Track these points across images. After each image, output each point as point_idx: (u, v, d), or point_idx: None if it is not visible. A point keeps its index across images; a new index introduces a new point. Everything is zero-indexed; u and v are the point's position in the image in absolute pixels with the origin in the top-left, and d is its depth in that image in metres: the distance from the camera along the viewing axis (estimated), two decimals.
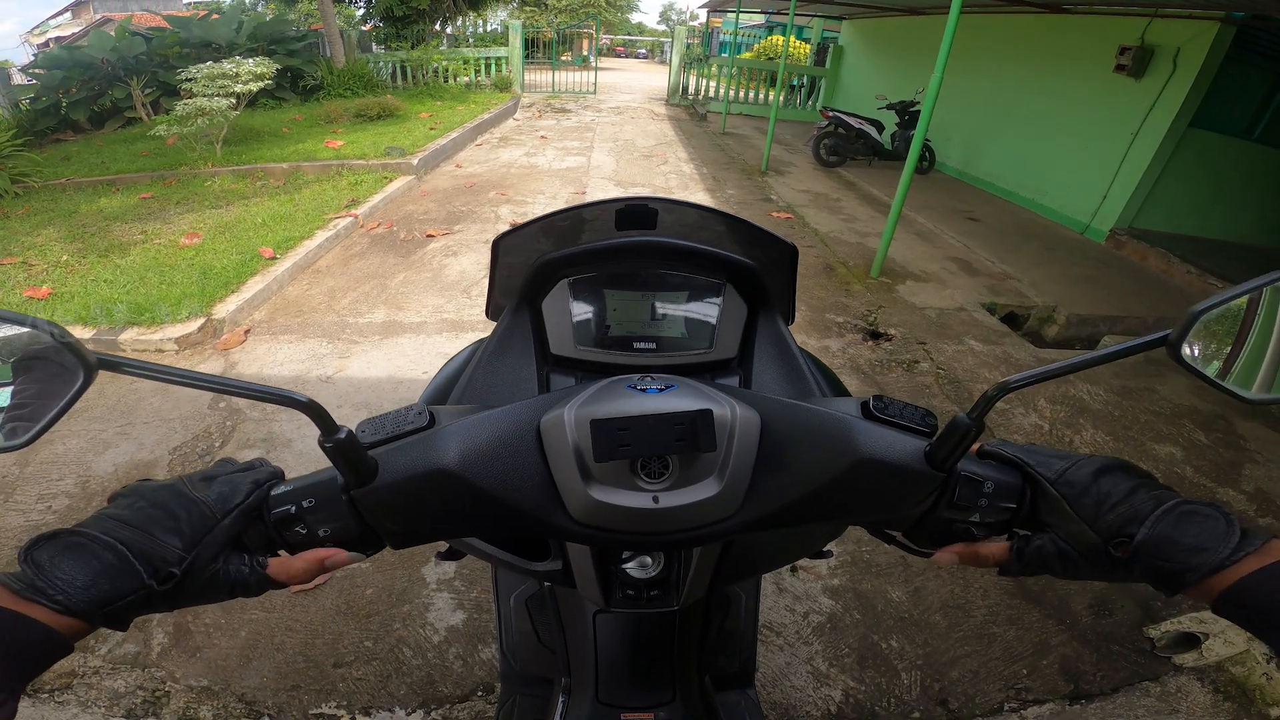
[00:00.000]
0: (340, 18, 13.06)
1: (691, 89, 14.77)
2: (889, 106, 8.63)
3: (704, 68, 15.03)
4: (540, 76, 15.28)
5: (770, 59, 16.06)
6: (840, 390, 0.87)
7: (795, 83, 13.95)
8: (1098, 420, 3.19)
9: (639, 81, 21.88)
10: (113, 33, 9.72)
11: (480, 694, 1.75)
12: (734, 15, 12.16)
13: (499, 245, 0.81)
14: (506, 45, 14.22)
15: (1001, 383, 0.47)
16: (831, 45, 13.66)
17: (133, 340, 3.26)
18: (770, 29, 22.94)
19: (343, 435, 0.46)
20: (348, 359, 3.27)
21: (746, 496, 0.50)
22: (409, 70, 12.59)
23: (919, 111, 7.86)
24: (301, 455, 2.55)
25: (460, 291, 4.08)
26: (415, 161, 6.75)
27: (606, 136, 9.84)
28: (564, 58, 17.17)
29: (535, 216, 0.79)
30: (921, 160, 7.53)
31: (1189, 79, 5.61)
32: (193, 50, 9.66)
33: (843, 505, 0.53)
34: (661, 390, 0.52)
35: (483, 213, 5.70)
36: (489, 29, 18.38)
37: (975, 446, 0.58)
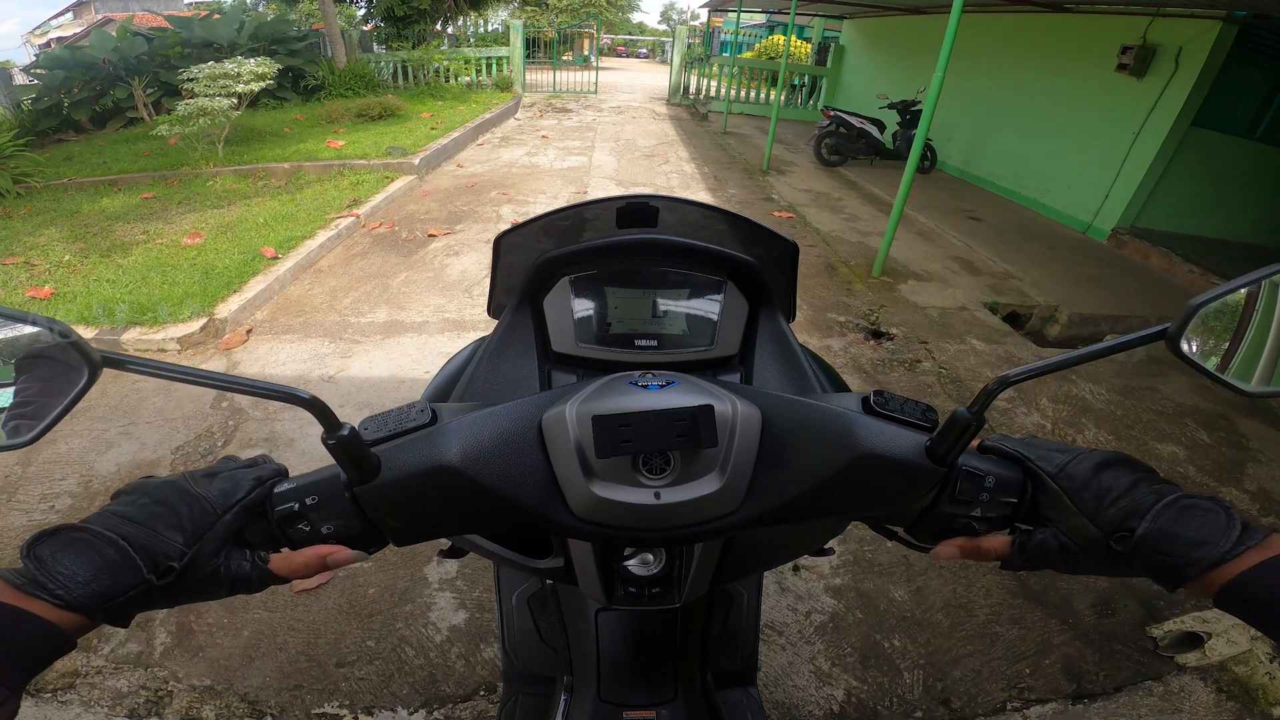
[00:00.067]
0: (341, 18, 13.08)
1: (693, 89, 14.78)
2: (890, 106, 8.62)
3: (705, 67, 15.03)
4: (541, 76, 15.28)
5: (771, 58, 16.05)
6: (841, 387, 0.87)
7: (796, 82, 13.94)
8: (1100, 419, 3.19)
9: (640, 81, 21.88)
10: (114, 33, 9.74)
11: (483, 693, 1.75)
12: (735, 15, 12.15)
13: (500, 244, 0.81)
14: (508, 45, 14.23)
15: (1001, 376, 0.47)
16: (832, 45, 13.65)
17: (135, 340, 3.26)
18: (771, 28, 22.94)
19: (345, 432, 0.46)
20: (350, 358, 3.27)
21: (748, 492, 0.50)
22: (410, 70, 12.59)
23: (920, 111, 7.84)
24: (304, 454, 2.55)
25: (462, 291, 4.09)
26: (417, 161, 6.75)
27: (608, 136, 9.84)
28: (565, 57, 17.18)
29: (536, 215, 0.79)
30: (923, 160, 7.52)
31: (1191, 78, 5.60)
32: (194, 50, 9.67)
33: (844, 500, 0.53)
34: (663, 386, 0.52)
35: (484, 212, 5.70)
36: (490, 29, 18.42)
37: (976, 441, 0.58)
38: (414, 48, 13.48)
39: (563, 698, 0.78)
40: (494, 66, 13.89)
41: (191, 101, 6.32)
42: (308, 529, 0.50)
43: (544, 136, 9.49)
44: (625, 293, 0.79)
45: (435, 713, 1.70)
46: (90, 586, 0.41)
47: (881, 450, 0.51)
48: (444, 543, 0.73)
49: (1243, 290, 0.46)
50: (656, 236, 0.78)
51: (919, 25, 9.91)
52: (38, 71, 9.29)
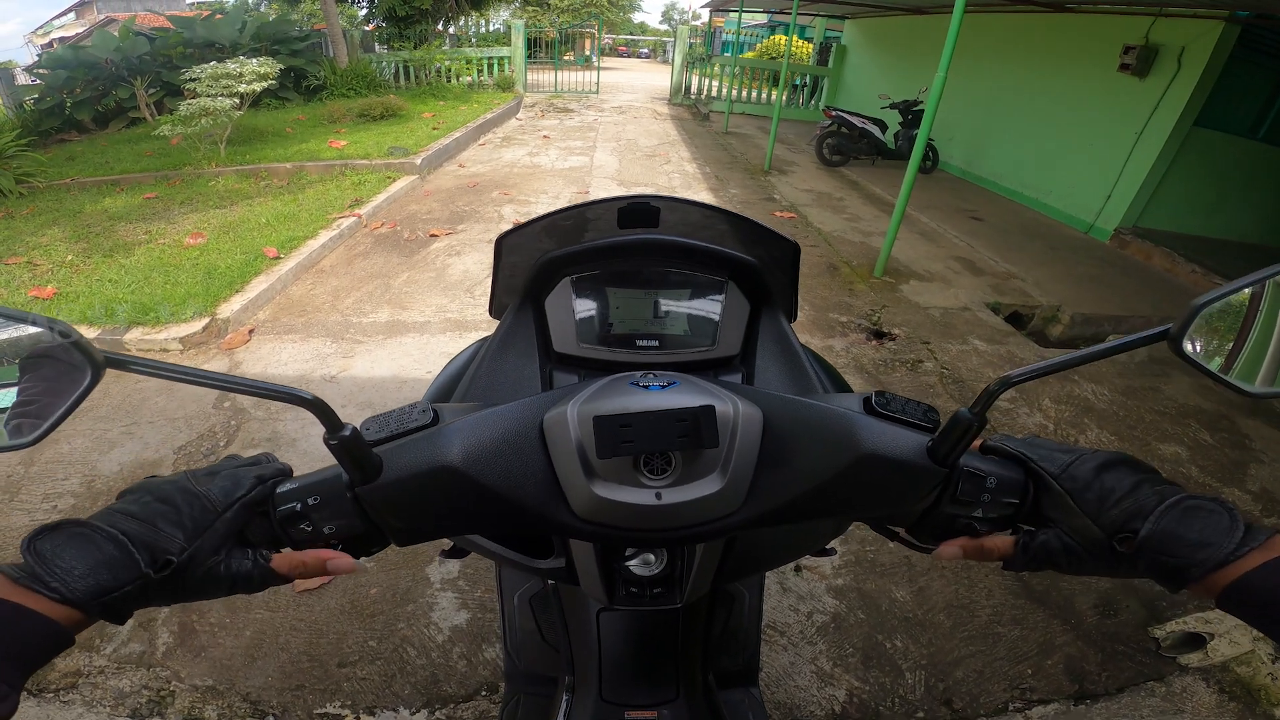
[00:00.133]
0: (343, 18, 13.09)
1: (694, 88, 14.78)
2: (892, 106, 8.62)
3: (706, 67, 15.03)
4: (543, 76, 15.29)
5: (773, 58, 16.05)
6: (843, 387, 0.87)
7: (798, 82, 13.93)
8: (1103, 420, 3.19)
9: (641, 81, 21.88)
10: (117, 33, 9.75)
11: (484, 693, 1.75)
12: (736, 15, 12.13)
13: (502, 244, 0.81)
14: (509, 45, 14.25)
15: (1003, 377, 0.47)
16: (834, 44, 13.64)
17: (137, 340, 3.27)
18: (773, 28, 22.92)
19: (347, 433, 0.46)
20: (352, 358, 3.28)
21: (749, 493, 0.50)
22: (412, 70, 12.60)
23: (922, 111, 7.84)
24: (306, 454, 2.55)
25: (464, 291, 4.09)
26: (418, 161, 6.76)
27: (609, 136, 9.84)
28: (566, 57, 17.18)
29: (538, 215, 0.79)
30: (925, 160, 7.50)
31: (1193, 78, 5.59)
32: (196, 50, 9.69)
33: (845, 501, 0.53)
34: (664, 387, 0.52)
35: (486, 212, 5.71)
36: (491, 29, 18.45)
37: (978, 442, 0.58)
38: (416, 48, 13.49)
39: (564, 698, 0.78)
40: (495, 66, 13.91)
41: (194, 101, 6.33)
42: (309, 529, 0.50)
43: (545, 136, 9.49)
44: (627, 293, 0.79)
45: (437, 713, 1.70)
46: (88, 581, 0.41)
47: (883, 451, 0.51)
48: (446, 543, 0.73)
49: (1246, 290, 0.46)
50: (658, 237, 0.78)
51: (921, 25, 9.91)
52: (40, 71, 9.31)
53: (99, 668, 1.76)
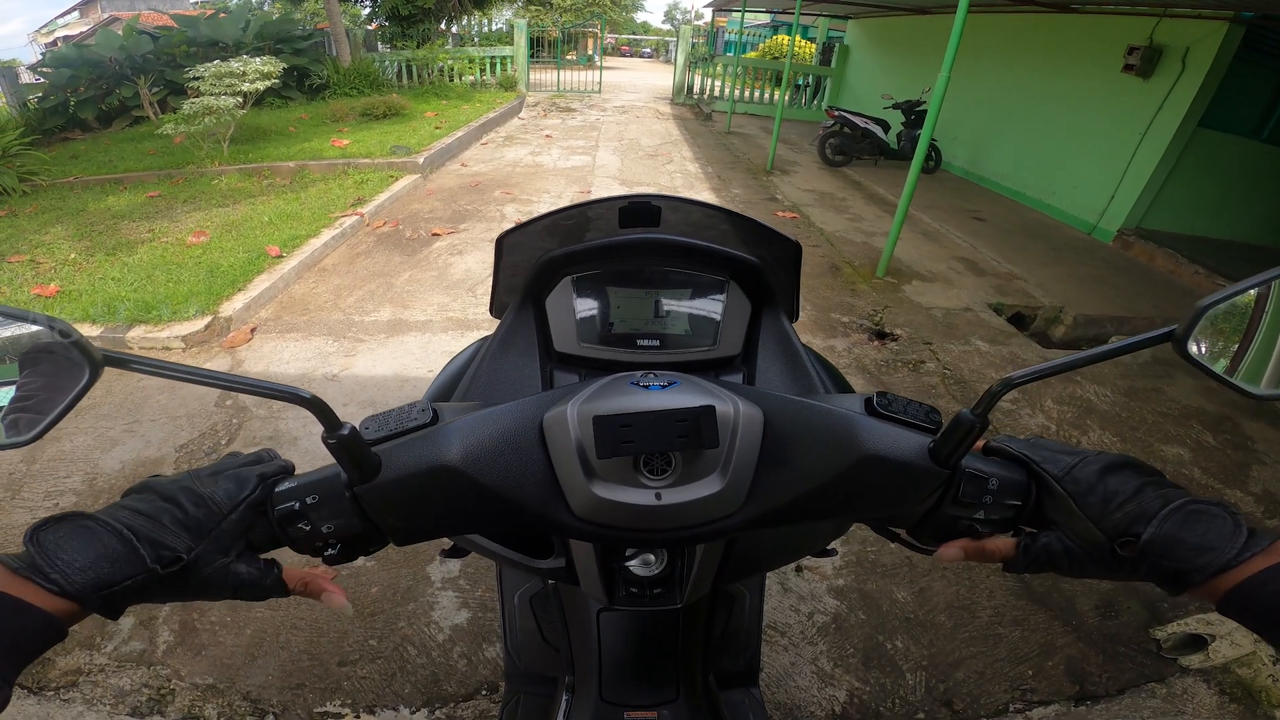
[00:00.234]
0: (346, 17, 13.09)
1: (696, 88, 14.77)
2: (895, 106, 8.62)
3: (709, 67, 15.02)
4: (545, 75, 15.28)
5: (775, 58, 16.05)
6: (844, 387, 0.87)
7: (801, 82, 13.93)
8: (1105, 421, 3.18)
9: (644, 81, 21.88)
10: (120, 31, 9.76)
11: (484, 693, 1.75)
12: (739, 15, 12.13)
13: (503, 243, 0.81)
14: (512, 44, 14.25)
15: (1006, 378, 0.47)
16: (837, 44, 13.64)
17: (140, 338, 3.27)
18: (775, 28, 22.93)
19: (346, 431, 0.46)
20: (353, 357, 3.28)
21: (750, 493, 0.50)
22: (414, 69, 12.61)
23: (925, 111, 7.84)
24: (307, 453, 2.55)
25: (465, 290, 4.09)
26: (421, 160, 6.76)
27: (611, 136, 9.84)
28: (569, 57, 17.18)
29: (539, 214, 0.79)
30: (928, 160, 7.51)
31: (1198, 79, 5.58)
32: (200, 49, 9.70)
33: (846, 502, 0.53)
34: (665, 387, 0.52)
35: (488, 211, 5.71)
36: (494, 28, 18.45)
37: (980, 443, 0.57)
38: (418, 47, 13.50)
39: (564, 698, 0.77)
40: (498, 66, 13.90)
41: (197, 100, 6.34)
42: (308, 528, 0.50)
43: (548, 136, 9.49)
44: (628, 292, 0.78)
45: (437, 712, 1.70)
46: (87, 573, 0.41)
47: (884, 452, 0.50)
48: (446, 542, 0.73)
49: (1252, 291, 0.45)
50: (659, 236, 0.78)
51: (924, 25, 9.89)
52: (44, 70, 9.33)
53: (99, 666, 1.77)
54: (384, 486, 0.49)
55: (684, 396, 0.50)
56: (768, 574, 1.51)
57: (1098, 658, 1.95)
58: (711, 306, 0.78)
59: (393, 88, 11.46)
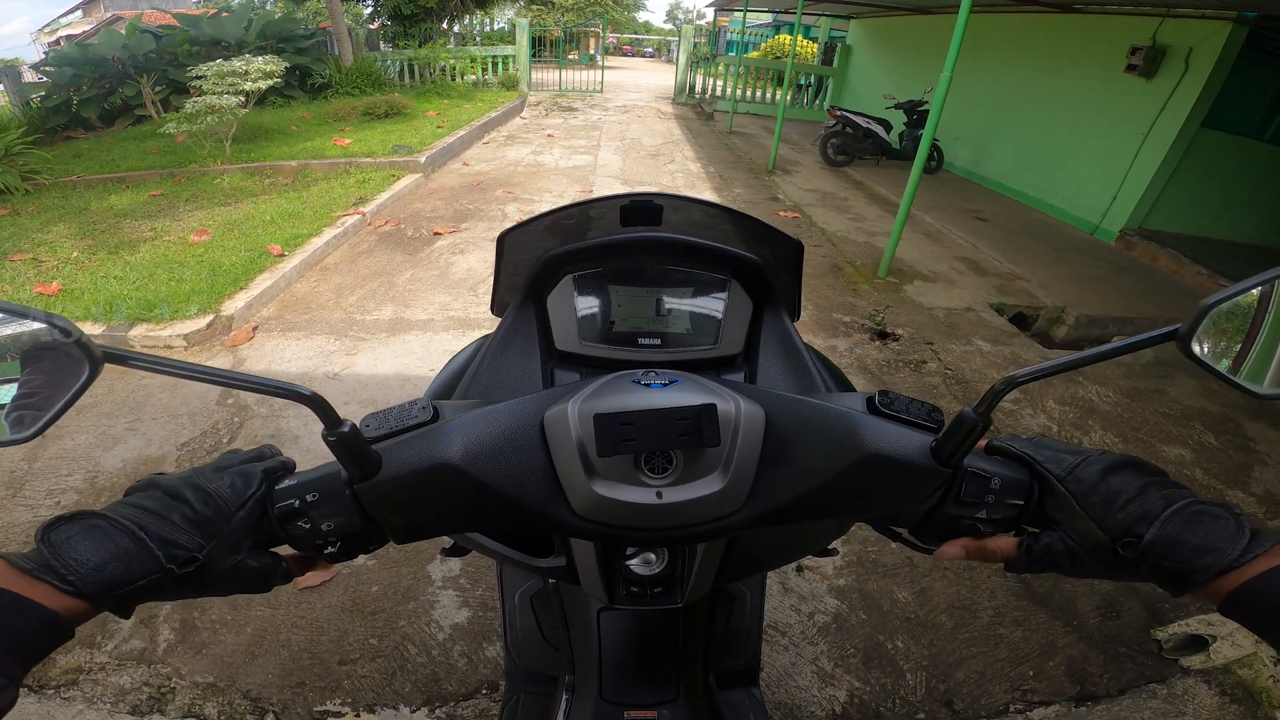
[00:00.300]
0: (348, 16, 13.11)
1: (698, 88, 14.76)
2: (897, 106, 8.61)
3: (711, 67, 15.01)
4: (547, 75, 15.29)
5: (777, 58, 16.03)
6: (846, 387, 0.87)
7: (802, 82, 13.93)
8: (1107, 421, 3.17)
9: (646, 80, 21.88)
10: (123, 30, 9.78)
11: (485, 691, 1.75)
12: (741, 14, 12.12)
13: (504, 241, 0.81)
14: (513, 44, 14.26)
15: (1009, 377, 0.47)
16: (839, 44, 13.63)
17: (142, 336, 3.27)
18: (777, 28, 22.92)
19: (346, 429, 0.46)
20: (355, 356, 3.28)
21: (751, 492, 0.50)
22: (416, 68, 12.62)
23: (927, 111, 7.82)
24: (309, 451, 2.55)
25: (467, 289, 4.09)
26: (423, 159, 6.76)
27: (613, 135, 9.83)
28: (571, 56, 17.18)
29: (540, 213, 0.79)
30: (930, 160, 7.50)
31: (1201, 79, 5.58)
32: (202, 48, 9.71)
33: (848, 501, 0.53)
34: (666, 385, 0.51)
35: (490, 211, 5.71)
36: (496, 27, 18.45)
37: (982, 442, 0.57)
38: (420, 46, 13.51)
39: (564, 697, 0.77)
40: (500, 65, 13.91)
41: (199, 99, 6.34)
42: (308, 526, 0.50)
43: (549, 135, 9.49)
44: (629, 291, 0.78)
45: (437, 711, 1.70)
46: (102, 573, 0.41)
47: (886, 451, 0.50)
48: (446, 541, 0.73)
49: (1254, 291, 0.45)
50: (661, 234, 0.78)
51: (926, 25, 9.89)
52: (47, 69, 9.34)
53: (100, 664, 1.77)
54: (384, 484, 0.49)
55: (685, 395, 0.50)
56: (768, 573, 1.50)
57: (1098, 658, 1.95)
58: (713, 305, 0.78)
59: (395, 87, 11.47)
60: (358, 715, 1.68)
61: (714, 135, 10.58)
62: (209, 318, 3.41)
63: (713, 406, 0.48)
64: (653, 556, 0.64)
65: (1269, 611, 0.42)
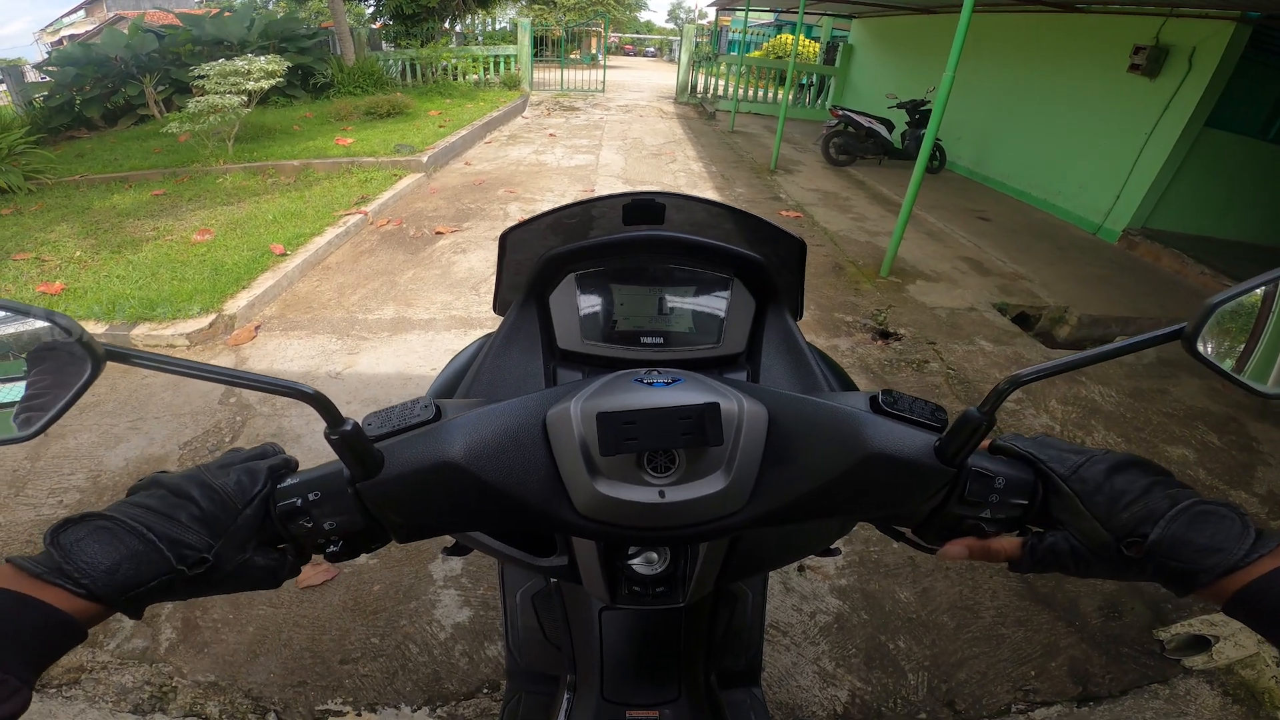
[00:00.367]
0: (350, 16, 13.11)
1: (700, 87, 14.75)
2: (899, 105, 8.59)
3: (713, 66, 15.00)
4: (549, 74, 15.30)
5: (779, 57, 16.02)
6: (849, 386, 0.87)
7: (804, 81, 13.92)
8: (1110, 421, 3.17)
9: (647, 80, 21.87)
10: (126, 30, 9.80)
11: (486, 691, 1.75)
12: (743, 14, 12.11)
13: (506, 240, 0.81)
14: (515, 43, 14.27)
15: (1013, 376, 0.47)
16: (841, 44, 13.60)
17: (144, 335, 3.28)
18: (779, 27, 22.90)
19: (348, 427, 0.46)
20: (357, 355, 3.28)
21: (754, 491, 0.50)
22: (418, 68, 12.62)
23: (930, 110, 7.81)
24: (310, 450, 2.56)
25: (469, 289, 4.09)
26: (425, 159, 6.77)
27: (615, 135, 9.83)
28: (572, 56, 17.18)
29: (543, 211, 0.79)
30: (932, 159, 7.49)
31: (1204, 79, 5.56)
32: (205, 48, 9.73)
33: (851, 500, 0.52)
34: (668, 384, 0.51)
35: (491, 210, 5.71)
36: (498, 27, 18.46)
37: (986, 442, 0.57)
38: (422, 46, 13.53)
39: (566, 696, 0.77)
40: (502, 65, 13.92)
41: (202, 99, 6.35)
42: (310, 525, 0.50)
43: (551, 135, 9.49)
44: (631, 290, 0.78)
45: (438, 710, 1.70)
46: (113, 576, 0.41)
47: (890, 450, 0.50)
48: (448, 540, 0.73)
49: (1258, 291, 0.45)
50: (663, 233, 0.77)
51: (929, 25, 9.87)
52: (50, 69, 9.36)
53: (102, 663, 1.77)
54: (386, 483, 0.48)
55: (688, 394, 0.50)
56: (770, 573, 1.50)
57: (1101, 658, 1.95)
58: (715, 304, 0.78)
59: (397, 86, 11.48)
60: (359, 714, 1.68)
61: (716, 135, 10.57)
62: (211, 317, 3.42)
63: (716, 405, 0.48)
64: (655, 556, 0.64)
65: (1274, 611, 0.42)
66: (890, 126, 8.48)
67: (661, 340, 0.76)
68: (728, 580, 0.66)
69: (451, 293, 4.03)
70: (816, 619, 2.02)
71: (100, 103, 8.87)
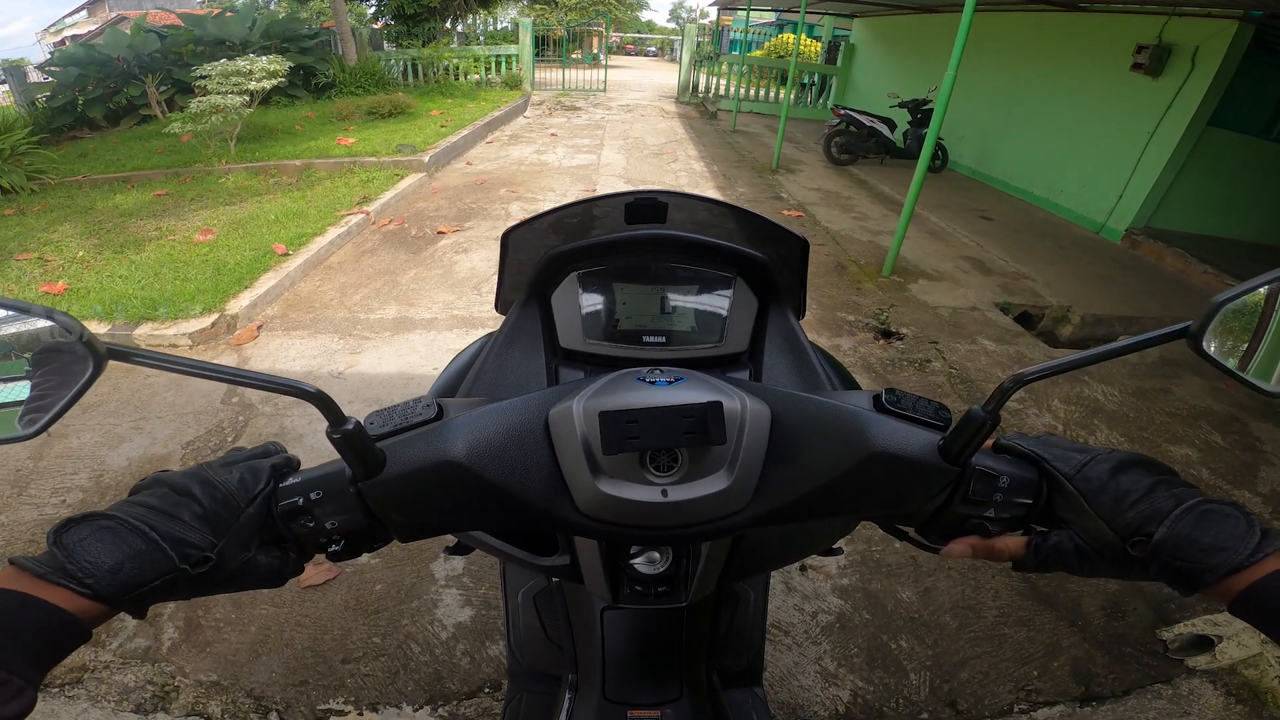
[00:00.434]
0: (352, 15, 13.14)
1: (702, 87, 14.74)
2: (901, 104, 8.57)
3: (714, 66, 14.99)
4: (550, 74, 15.31)
5: (781, 57, 16.01)
6: (852, 385, 0.86)
7: (806, 81, 13.89)
8: (1113, 421, 3.16)
9: (649, 79, 21.87)
10: (128, 30, 9.82)
11: (487, 690, 1.75)
12: (744, 13, 12.10)
13: (508, 239, 0.80)
14: (517, 43, 14.29)
15: (1017, 374, 0.46)
16: (843, 43, 13.58)
17: (147, 335, 3.28)
18: (781, 27, 22.88)
19: (350, 426, 0.46)
20: (359, 354, 3.29)
21: (756, 490, 0.50)
22: (420, 68, 12.64)
23: (932, 109, 7.80)
24: (312, 449, 2.56)
25: (471, 288, 4.09)
26: (426, 159, 6.77)
27: (616, 134, 9.83)
28: (574, 55, 17.17)
29: (544, 210, 0.79)
30: (934, 159, 7.48)
31: (1207, 78, 5.54)
32: (207, 48, 9.75)
33: (854, 500, 0.52)
34: (671, 383, 0.51)
35: (493, 210, 5.71)
36: (499, 27, 18.45)
37: (990, 441, 0.57)
38: (424, 46, 13.55)
39: (567, 696, 0.77)
40: (503, 64, 13.93)
41: (204, 99, 6.37)
42: (312, 524, 0.50)
43: (553, 134, 9.50)
44: (633, 288, 0.78)
45: (440, 709, 1.70)
46: (116, 575, 0.41)
47: (893, 449, 0.50)
48: (450, 539, 0.73)
49: (1262, 290, 0.45)
50: (665, 232, 0.77)
51: (931, 24, 9.86)
52: (52, 69, 9.38)
53: (104, 663, 1.77)
54: (388, 482, 0.48)
55: (690, 392, 0.50)
56: (772, 573, 1.50)
57: (1103, 658, 1.94)
58: (718, 303, 0.78)
59: (398, 86, 11.49)
60: (361, 714, 1.68)
61: (717, 134, 10.56)
62: (214, 316, 3.42)
63: (718, 404, 0.48)
64: (657, 555, 0.64)
65: (1279, 610, 0.41)
66: (892, 126, 8.47)
67: (664, 339, 0.76)
68: (730, 580, 0.66)
69: (453, 292, 4.03)
70: (818, 618, 2.01)
71: (103, 103, 8.89)
